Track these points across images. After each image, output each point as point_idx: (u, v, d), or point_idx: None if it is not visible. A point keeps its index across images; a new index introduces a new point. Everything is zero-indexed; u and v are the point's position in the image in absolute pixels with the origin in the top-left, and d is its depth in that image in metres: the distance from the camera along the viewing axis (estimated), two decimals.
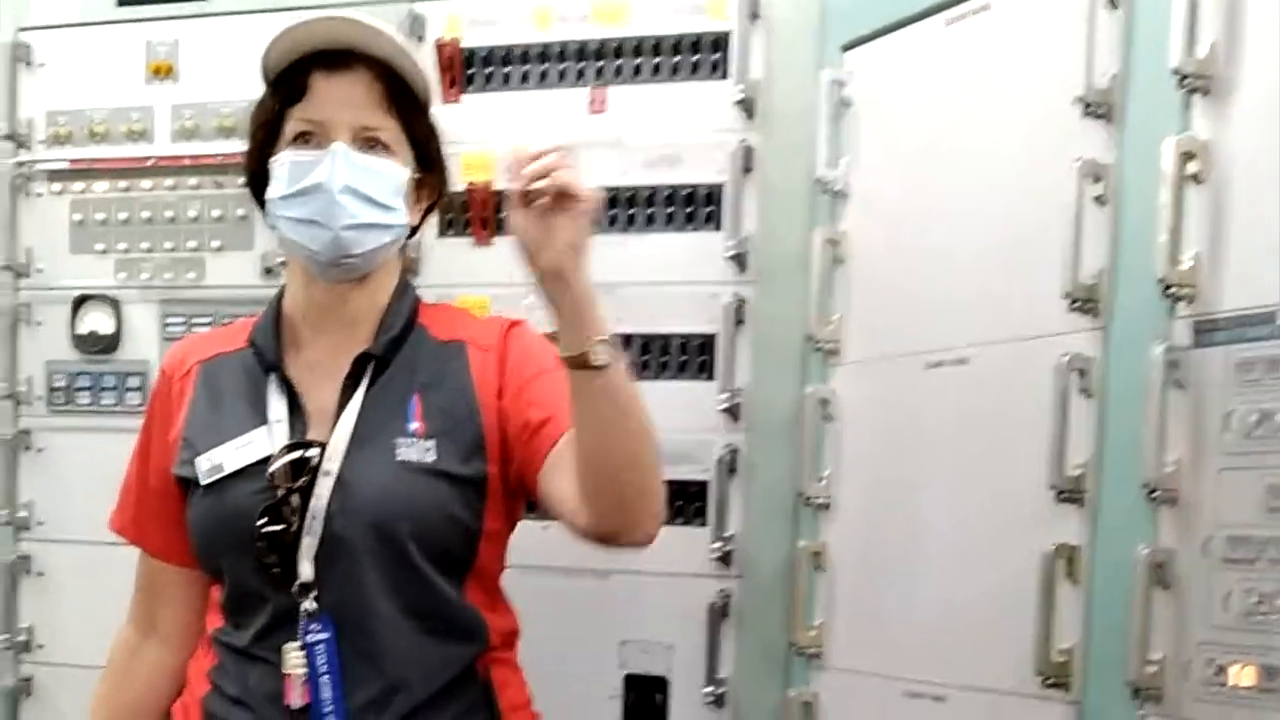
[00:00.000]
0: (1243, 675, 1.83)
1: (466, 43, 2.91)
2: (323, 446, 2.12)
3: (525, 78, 2.84)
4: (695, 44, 2.73)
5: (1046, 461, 2.09)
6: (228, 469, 2.16)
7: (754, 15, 2.68)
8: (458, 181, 2.91)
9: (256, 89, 2.99)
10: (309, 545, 2.09)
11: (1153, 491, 1.94)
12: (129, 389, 3.17)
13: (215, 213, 3.11)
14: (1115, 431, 2.05)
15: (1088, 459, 2.08)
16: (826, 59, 2.62)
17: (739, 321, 2.66)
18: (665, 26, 2.75)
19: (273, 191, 2.17)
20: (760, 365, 2.67)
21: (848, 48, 2.60)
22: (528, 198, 1.95)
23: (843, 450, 2.55)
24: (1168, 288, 1.93)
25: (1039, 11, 2.21)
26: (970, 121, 2.33)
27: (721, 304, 2.66)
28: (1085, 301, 2.08)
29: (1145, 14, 2.04)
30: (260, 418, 2.18)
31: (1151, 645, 1.93)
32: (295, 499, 2.10)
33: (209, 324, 3.11)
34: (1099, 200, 2.08)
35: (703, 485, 2.68)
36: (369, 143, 2.16)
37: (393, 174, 2.17)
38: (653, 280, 2.72)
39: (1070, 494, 2.08)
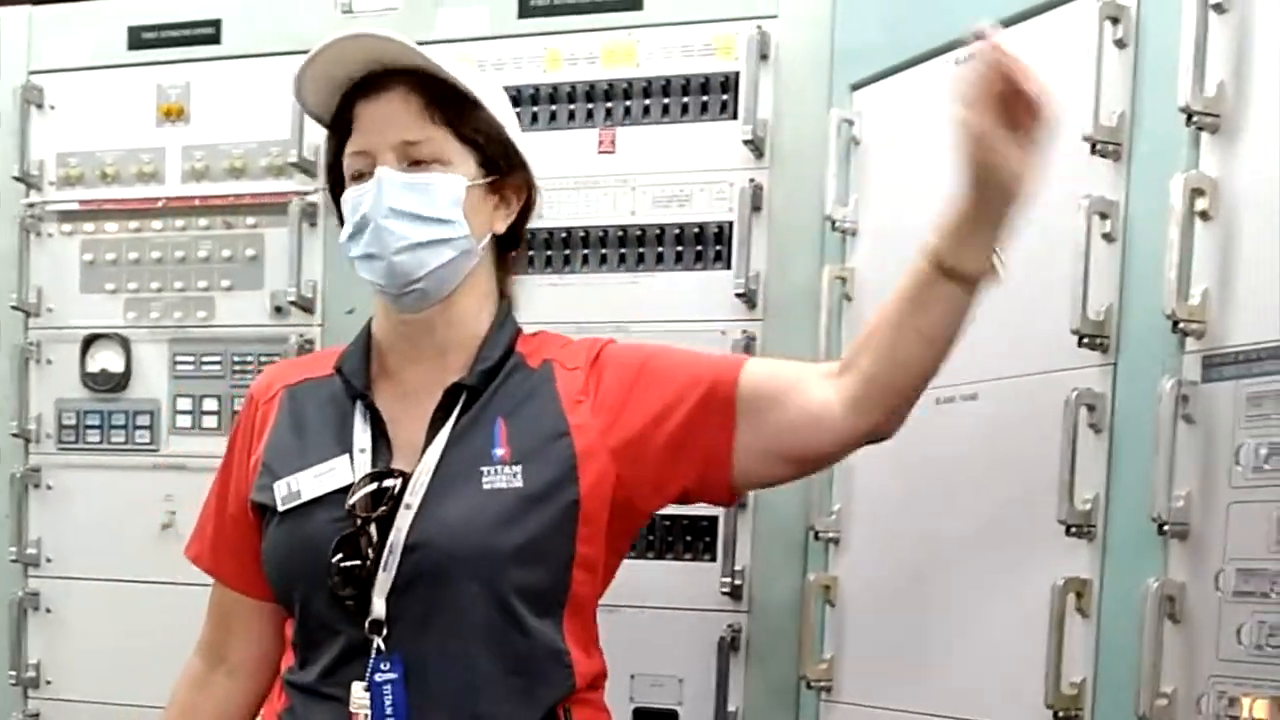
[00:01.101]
0: (1255, 708, 1.84)
1: None
2: (406, 477, 2.03)
3: (535, 118, 2.86)
4: (704, 84, 2.75)
5: (1056, 496, 2.10)
6: (306, 496, 2.08)
7: (763, 56, 2.71)
8: None
9: (268, 130, 3.06)
10: (384, 581, 1.99)
11: (1162, 525, 1.94)
12: (138, 427, 3.19)
13: (225, 253, 3.14)
14: (1125, 466, 2.06)
15: (1097, 493, 2.09)
16: (835, 98, 2.64)
17: None
18: (674, 67, 2.77)
19: (341, 234, 2.12)
20: None
21: (856, 87, 2.62)
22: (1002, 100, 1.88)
23: (853, 484, 2.56)
24: (1176, 323, 1.95)
25: (1047, 50, 2.22)
26: None
27: (731, 341, 2.68)
28: (1094, 337, 2.09)
29: (1153, 53, 2.06)
30: (344, 445, 2.10)
31: (1162, 678, 1.94)
32: (373, 531, 2.01)
33: (218, 364, 3.13)
34: (1107, 237, 2.09)
35: (712, 520, 2.69)
36: (418, 158, 2.06)
37: (444, 185, 2.06)
38: (663, 319, 2.74)
39: (1080, 528, 2.09)
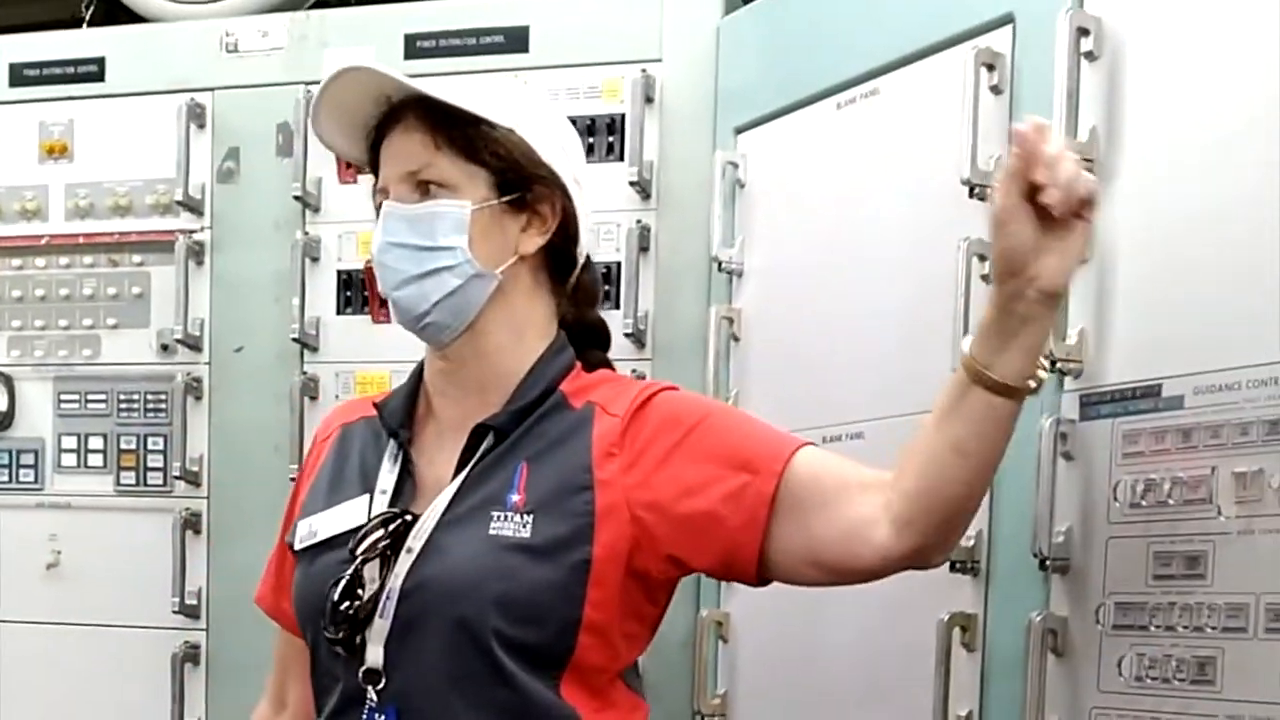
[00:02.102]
0: None
1: None
2: (416, 518, 1.94)
3: None
4: (590, 126, 2.77)
5: None
6: (320, 535, 2.01)
7: (648, 99, 2.74)
8: (356, 257, 2.96)
9: (153, 168, 3.05)
10: (380, 627, 1.90)
11: (1044, 560, 1.98)
12: (23, 466, 3.16)
13: (110, 291, 3.12)
14: (1007, 502, 2.09)
15: (981, 529, 2.12)
16: (720, 141, 2.68)
17: None
18: (560, 110, 2.79)
19: None
20: None
21: (741, 130, 2.66)
22: (1034, 195, 1.69)
23: None
24: (1054, 362, 1.97)
25: (926, 96, 2.27)
26: (861, 202, 2.39)
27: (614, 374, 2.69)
28: None
29: (1027, 99, 2.10)
30: (368, 485, 2.02)
31: (1046, 711, 1.97)
32: (373, 575, 1.92)
33: (104, 402, 3.11)
34: (985, 278, 2.11)
35: None
36: (420, 188, 1.98)
37: (445, 211, 1.96)
38: None
39: (965, 564, 2.12)
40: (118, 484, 3.11)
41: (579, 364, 2.06)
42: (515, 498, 1.92)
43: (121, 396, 3.11)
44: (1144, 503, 1.89)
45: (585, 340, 2.12)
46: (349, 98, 2.01)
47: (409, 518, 1.95)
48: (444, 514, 1.94)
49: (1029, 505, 2.00)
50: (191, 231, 3.04)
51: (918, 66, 2.29)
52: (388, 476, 2.01)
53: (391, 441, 2.04)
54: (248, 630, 2.97)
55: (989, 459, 1.82)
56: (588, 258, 2.13)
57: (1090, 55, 1.99)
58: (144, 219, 3.10)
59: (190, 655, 3.02)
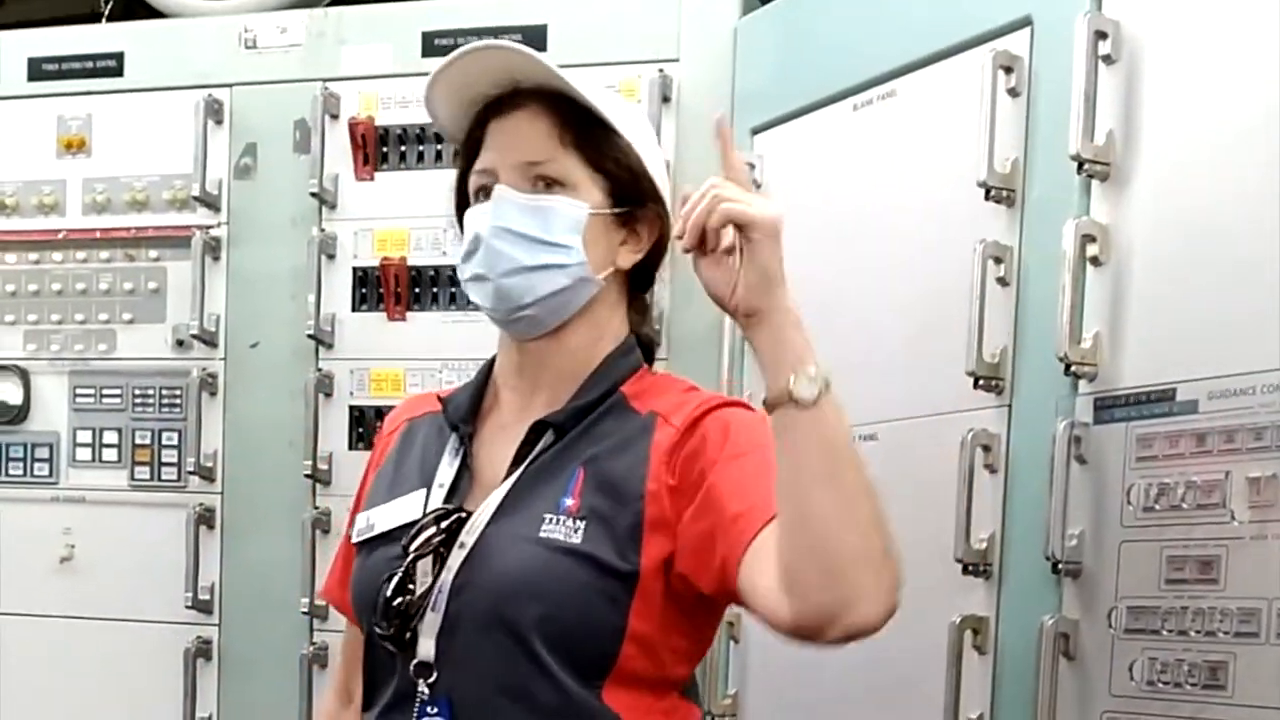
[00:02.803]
0: None
1: (380, 121, 2.96)
2: (469, 515, 1.91)
3: (439, 156, 2.89)
4: None
5: (953, 534, 2.13)
6: (378, 529, 1.99)
7: (665, 99, 2.75)
8: (372, 255, 2.96)
9: (170, 163, 3.06)
10: (432, 621, 1.87)
11: (1056, 564, 1.98)
12: (37, 460, 3.17)
13: (127, 285, 3.13)
14: (1019, 505, 2.10)
15: (993, 532, 2.13)
16: (737, 142, 2.66)
17: None
18: None
19: (459, 256, 1.99)
20: None
21: (757, 131, 2.66)
22: (702, 246, 1.73)
23: None
24: (1069, 366, 1.99)
25: (943, 98, 2.28)
26: (876, 203, 2.39)
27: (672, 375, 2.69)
28: (989, 379, 2.13)
29: (1045, 102, 2.10)
30: (427, 479, 1.98)
31: (1057, 714, 1.98)
32: (427, 570, 1.89)
33: (119, 396, 3.12)
34: (1001, 281, 2.13)
35: None
36: (540, 180, 1.93)
37: (564, 209, 1.92)
38: None
39: (977, 566, 2.13)
40: (132, 478, 3.12)
41: (645, 366, 2.04)
42: (570, 502, 1.88)
43: (137, 391, 3.12)
44: (1157, 506, 1.89)
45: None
46: (472, 73, 1.97)
47: (463, 514, 1.92)
48: (497, 510, 1.91)
49: (1042, 508, 2.01)
50: (208, 227, 3.05)
51: (935, 69, 2.30)
52: (447, 470, 1.98)
53: (453, 435, 2.01)
54: (260, 626, 3.00)
55: (802, 486, 1.69)
56: None
57: (1108, 58, 1.99)
58: (161, 214, 3.11)
59: (202, 650, 3.03)
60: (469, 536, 1.89)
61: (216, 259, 3.05)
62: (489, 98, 1.98)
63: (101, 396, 3.14)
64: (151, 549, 3.08)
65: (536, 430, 1.94)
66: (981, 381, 2.13)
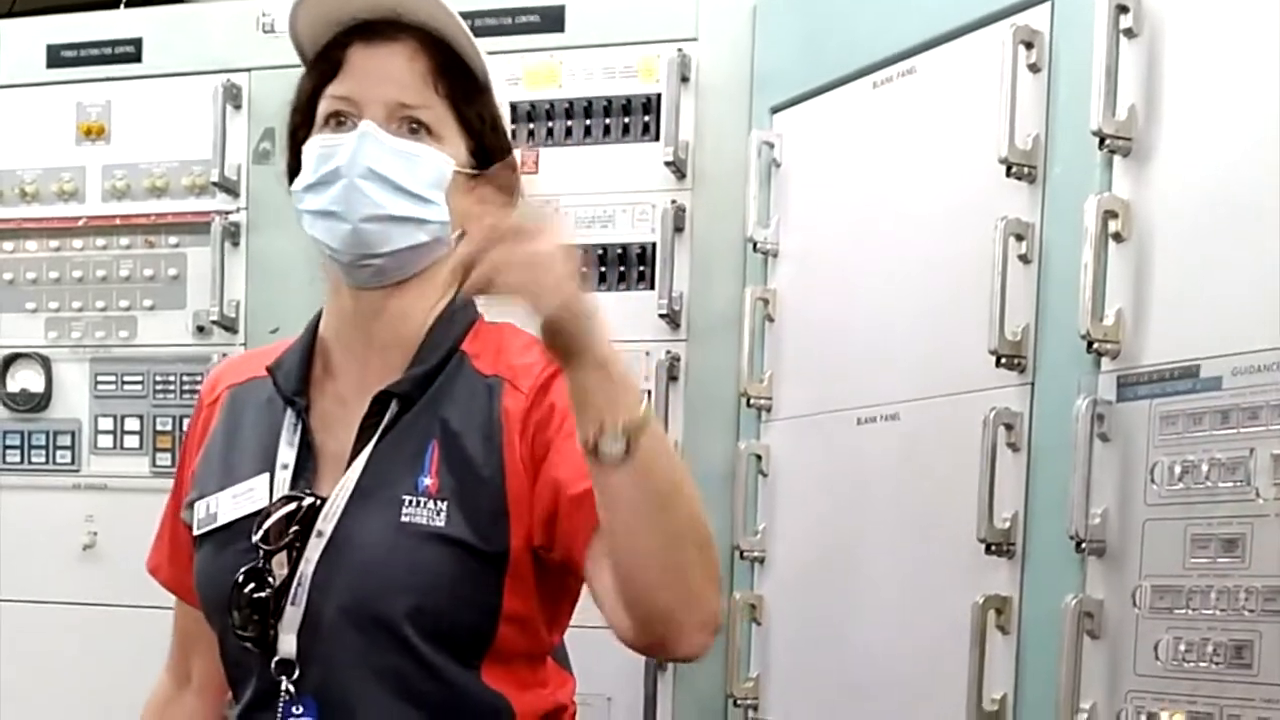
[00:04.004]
0: None
1: None
2: (322, 501, 1.80)
3: None
4: (626, 106, 2.77)
5: (976, 514, 2.12)
6: (221, 519, 1.87)
7: (684, 78, 2.73)
8: None
9: (189, 149, 3.05)
10: (292, 616, 1.78)
11: (1080, 543, 1.97)
12: (59, 447, 3.17)
13: (147, 272, 3.12)
14: (1042, 484, 2.08)
15: (1016, 511, 2.11)
16: (756, 120, 2.67)
17: (672, 379, 2.69)
18: (596, 89, 2.79)
19: (297, 183, 1.86)
20: (694, 422, 2.70)
21: (777, 109, 2.65)
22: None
23: (776, 505, 2.59)
24: (1091, 343, 1.98)
25: (963, 75, 2.26)
26: (897, 181, 2.38)
27: (655, 362, 2.69)
28: (1011, 357, 2.12)
29: (1066, 77, 2.09)
30: (268, 461, 1.86)
31: (1082, 694, 1.96)
32: (282, 562, 1.80)
33: (140, 383, 3.12)
34: (1023, 258, 2.12)
35: None
36: (408, 124, 1.83)
37: (432, 161, 1.82)
38: None
39: (1000, 546, 2.12)
40: (154, 465, 3.11)
41: (480, 318, 1.92)
42: (428, 481, 1.80)
43: (158, 378, 3.12)
44: (1181, 484, 1.88)
45: None
46: None
47: (316, 500, 1.82)
48: (352, 494, 1.81)
49: (1065, 487, 1.99)
50: (227, 213, 3.05)
51: (955, 45, 2.28)
52: (287, 450, 1.87)
53: (289, 411, 1.89)
54: None
55: (624, 532, 1.65)
56: None
57: (1129, 33, 1.98)
58: (180, 200, 3.10)
59: None
60: (326, 525, 1.80)
61: (236, 244, 3.05)
62: (357, 20, 1.87)
63: (123, 383, 3.14)
64: None
65: (380, 401, 1.84)
66: (1003, 360, 2.12)
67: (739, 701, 2.61)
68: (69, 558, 3.14)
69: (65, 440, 3.17)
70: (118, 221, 3.14)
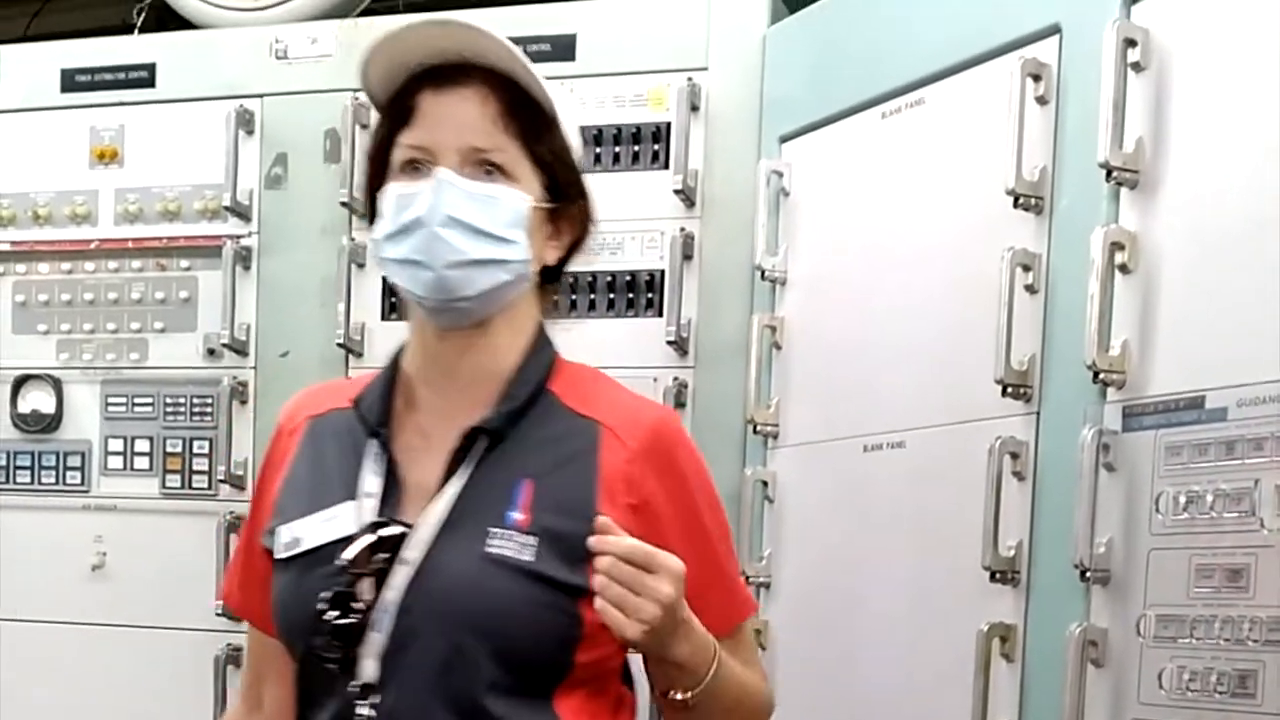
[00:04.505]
0: None
1: None
2: (409, 529, 1.83)
3: None
4: (636, 134, 2.79)
5: (981, 542, 2.13)
6: (305, 545, 1.89)
7: (694, 107, 2.75)
8: None
9: (202, 173, 3.07)
10: (375, 641, 1.81)
11: (1085, 571, 1.98)
12: (69, 468, 3.18)
13: (159, 295, 3.14)
14: (1047, 513, 2.09)
15: (1021, 539, 2.12)
16: (765, 149, 2.69)
17: (679, 405, 2.71)
18: (607, 117, 2.80)
19: (377, 231, 1.89)
20: (700, 448, 2.65)
21: (786, 139, 2.66)
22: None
23: (782, 531, 2.60)
24: (1097, 373, 1.99)
25: (971, 106, 2.28)
26: (905, 211, 2.39)
27: (662, 388, 2.71)
28: (1017, 386, 2.13)
29: (1074, 110, 2.10)
30: (352, 489, 1.88)
31: None
32: (368, 588, 1.82)
33: (150, 405, 3.13)
34: (1030, 288, 2.13)
35: None
36: (483, 167, 1.85)
37: (509, 201, 1.85)
38: (596, 365, 2.75)
39: (1005, 574, 2.13)
40: (163, 487, 3.13)
41: (558, 357, 1.96)
42: (518, 516, 1.83)
43: (168, 400, 3.13)
44: (1186, 515, 1.89)
45: None
46: (424, 42, 1.89)
47: (403, 529, 1.84)
48: (441, 524, 1.84)
49: (1070, 516, 2.00)
50: (239, 237, 3.06)
51: (964, 76, 2.30)
52: (372, 479, 1.89)
53: (373, 441, 1.91)
54: None
55: None
56: None
57: (1137, 66, 2.00)
58: (192, 224, 3.12)
59: (233, 658, 3.03)
60: (412, 552, 1.83)
61: (247, 268, 3.06)
62: (426, 65, 1.89)
63: (133, 405, 3.15)
64: (182, 557, 3.08)
65: (470, 436, 1.87)
66: (1010, 389, 2.13)
67: None
68: (78, 578, 3.15)
69: (75, 461, 3.18)
70: (130, 244, 3.16)
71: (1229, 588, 1.83)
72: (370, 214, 1.94)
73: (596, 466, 1.85)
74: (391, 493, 1.88)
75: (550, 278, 1.99)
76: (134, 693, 3.11)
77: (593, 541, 1.72)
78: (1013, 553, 2.13)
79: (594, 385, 1.96)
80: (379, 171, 1.92)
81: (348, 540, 1.84)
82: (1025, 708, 2.12)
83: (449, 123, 1.86)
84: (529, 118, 1.88)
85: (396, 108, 1.90)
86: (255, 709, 2.09)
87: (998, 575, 2.13)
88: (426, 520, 1.83)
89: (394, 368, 1.97)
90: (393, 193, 1.87)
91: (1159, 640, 1.91)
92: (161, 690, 3.10)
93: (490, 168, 1.86)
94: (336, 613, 1.82)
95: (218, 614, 3.00)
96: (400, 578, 1.82)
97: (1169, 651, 1.89)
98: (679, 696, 1.82)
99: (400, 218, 1.85)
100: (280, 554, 1.92)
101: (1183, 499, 1.90)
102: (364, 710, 1.82)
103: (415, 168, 1.87)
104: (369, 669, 1.82)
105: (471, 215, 1.83)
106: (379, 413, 1.92)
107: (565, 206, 1.93)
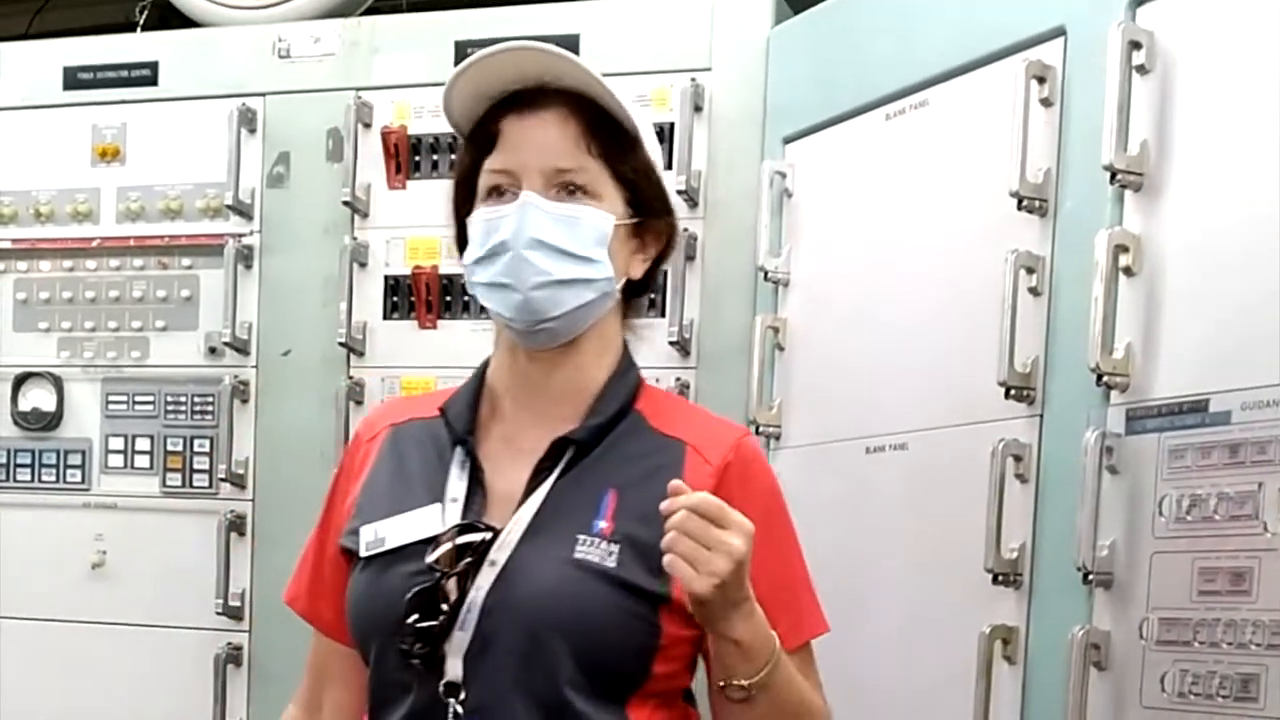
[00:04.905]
0: None
1: (413, 130, 2.97)
2: (495, 532, 1.85)
3: None
4: None
5: (983, 544, 2.13)
6: (390, 544, 1.91)
7: (697, 108, 2.75)
8: (403, 263, 2.97)
9: (204, 172, 3.07)
10: (460, 640, 1.83)
11: (1087, 574, 1.98)
12: (70, 466, 3.19)
13: (160, 293, 3.14)
14: (1050, 515, 2.09)
15: (1024, 542, 2.12)
16: (768, 150, 2.69)
17: None
18: None
19: (467, 256, 1.93)
20: None
21: (789, 140, 2.66)
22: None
23: None
24: (1101, 376, 1.98)
25: (975, 108, 2.28)
26: (908, 213, 2.39)
27: (664, 389, 2.70)
28: (1021, 389, 2.13)
29: (1078, 112, 2.10)
30: (437, 493, 1.91)
31: None
32: (453, 587, 1.84)
33: (151, 404, 3.13)
34: (1033, 291, 2.13)
35: None
36: (566, 188, 1.88)
37: (593, 221, 1.87)
38: None
39: (1007, 576, 2.12)
40: (164, 485, 3.13)
41: (643, 380, 1.99)
42: (603, 524, 1.85)
43: (169, 398, 3.13)
44: (1189, 518, 1.89)
45: None
46: (495, 65, 1.91)
47: (492, 531, 1.86)
48: (527, 529, 1.86)
49: (1073, 519, 2.00)
50: (241, 235, 3.07)
51: (968, 78, 2.30)
52: (458, 484, 1.92)
53: (459, 449, 1.94)
54: (290, 633, 2.97)
55: None
56: None
57: (1142, 69, 2.00)
58: (194, 222, 3.12)
59: (233, 657, 3.04)
60: (499, 554, 1.85)
61: (249, 267, 3.06)
62: (507, 92, 1.92)
63: (134, 404, 3.15)
64: (183, 556, 3.09)
65: (557, 446, 1.89)
66: (1013, 391, 2.13)
67: None
68: (78, 576, 3.15)
69: (76, 459, 3.19)
70: (131, 243, 3.16)
71: (1232, 591, 1.83)
72: (459, 242, 1.98)
73: (681, 480, 1.80)
74: (475, 498, 1.91)
75: (635, 291, 2.00)
76: (134, 691, 3.11)
77: (665, 505, 1.71)
78: (1015, 555, 2.13)
79: (678, 408, 2.03)
80: (466, 199, 1.95)
81: (430, 541, 1.86)
82: (1027, 710, 2.11)
83: (531, 146, 1.88)
84: (610, 136, 1.90)
85: (480, 135, 1.93)
86: (314, 713, 2.10)
87: (1000, 578, 2.13)
88: (515, 524, 1.86)
89: (480, 379, 2.00)
90: (479, 218, 1.90)
91: (1161, 643, 1.91)
92: (162, 689, 3.10)
93: (573, 188, 1.88)
94: (418, 613, 1.83)
95: (218, 612, 3.01)
96: (486, 578, 1.84)
97: (1171, 655, 1.89)
98: (738, 682, 1.79)
99: (487, 242, 1.88)
100: (364, 552, 1.93)
101: (1186, 502, 1.89)
102: (455, 708, 1.83)
103: (500, 192, 1.89)
104: (454, 667, 1.84)
105: (555, 236, 1.86)
106: (466, 421, 1.95)
107: (650, 221, 1.95)
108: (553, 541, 1.85)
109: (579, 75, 1.90)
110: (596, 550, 1.83)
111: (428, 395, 2.10)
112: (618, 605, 1.82)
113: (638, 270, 1.96)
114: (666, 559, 1.70)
